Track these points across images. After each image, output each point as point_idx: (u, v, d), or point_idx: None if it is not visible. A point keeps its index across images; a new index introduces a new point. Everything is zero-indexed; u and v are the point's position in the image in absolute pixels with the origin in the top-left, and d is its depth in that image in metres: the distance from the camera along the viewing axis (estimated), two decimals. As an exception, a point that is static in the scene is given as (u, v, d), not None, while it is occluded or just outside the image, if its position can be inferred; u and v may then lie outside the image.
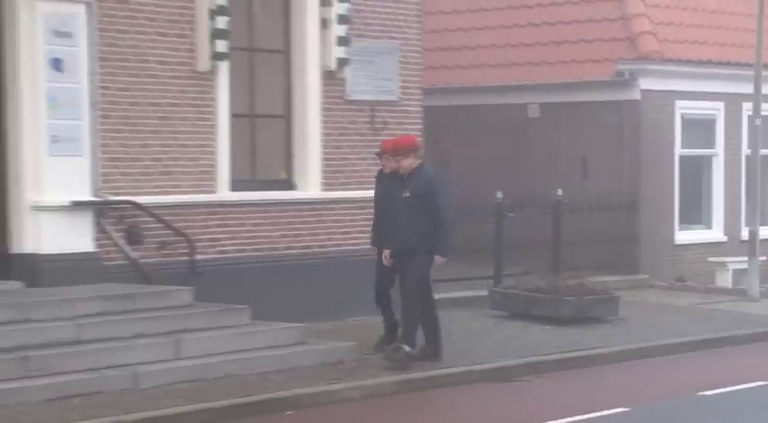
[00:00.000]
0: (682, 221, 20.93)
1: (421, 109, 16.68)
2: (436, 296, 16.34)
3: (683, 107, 20.65)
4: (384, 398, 11.68)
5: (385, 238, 13.17)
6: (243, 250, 14.73)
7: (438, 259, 12.71)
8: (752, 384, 12.54)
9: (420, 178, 12.80)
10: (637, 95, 19.91)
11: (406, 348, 12.52)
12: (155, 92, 13.85)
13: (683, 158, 20.82)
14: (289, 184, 15.40)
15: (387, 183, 13.28)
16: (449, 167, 18.76)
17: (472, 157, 19.97)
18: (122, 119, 13.66)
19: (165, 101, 14.03)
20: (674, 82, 20.36)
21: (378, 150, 13.67)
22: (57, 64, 13.03)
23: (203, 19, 14.17)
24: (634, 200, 19.91)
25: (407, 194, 12.72)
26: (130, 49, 13.73)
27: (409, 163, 12.85)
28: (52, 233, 13.06)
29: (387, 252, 12.99)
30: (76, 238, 13.24)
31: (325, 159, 15.55)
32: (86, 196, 13.27)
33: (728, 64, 21.05)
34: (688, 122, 20.84)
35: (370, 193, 15.62)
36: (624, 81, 19.81)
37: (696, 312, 17.47)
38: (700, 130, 21.22)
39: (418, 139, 13.64)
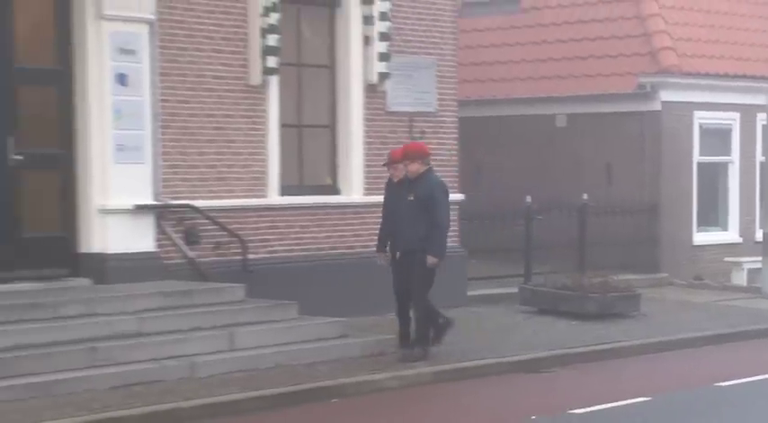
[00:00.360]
0: (700, 224, 20.78)
1: (456, 119, 16.65)
2: (469, 293, 16.60)
3: (700, 117, 20.51)
4: (422, 387, 11.68)
5: (391, 241, 13.06)
6: (291, 250, 14.75)
7: (430, 259, 12.52)
8: (765, 376, 12.47)
9: (425, 183, 12.71)
10: (657, 106, 19.79)
11: (421, 349, 12.50)
12: (211, 104, 13.88)
13: (700, 165, 20.68)
14: (334, 189, 15.40)
15: (395, 189, 13.13)
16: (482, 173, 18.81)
17: (503, 164, 19.91)
18: (181, 129, 13.71)
19: (220, 112, 14.05)
20: (693, 94, 20.23)
21: (386, 161, 13.49)
22: (122, 79, 13.08)
23: (255, 37, 14.18)
24: (655, 204, 19.81)
25: (412, 198, 12.64)
26: (189, 65, 13.77)
27: (416, 168, 12.73)
28: (117, 234, 13.10)
29: (398, 253, 12.92)
30: (139, 238, 13.30)
31: (367, 166, 15.49)
32: (148, 200, 13.32)
33: (744, 77, 20.92)
34: (706, 131, 20.69)
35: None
36: (646, 93, 19.70)
37: (713, 309, 17.38)
38: (716, 138, 21.05)
39: (427, 147, 13.47)
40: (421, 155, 12.91)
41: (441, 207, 12.70)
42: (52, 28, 13.05)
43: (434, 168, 15.88)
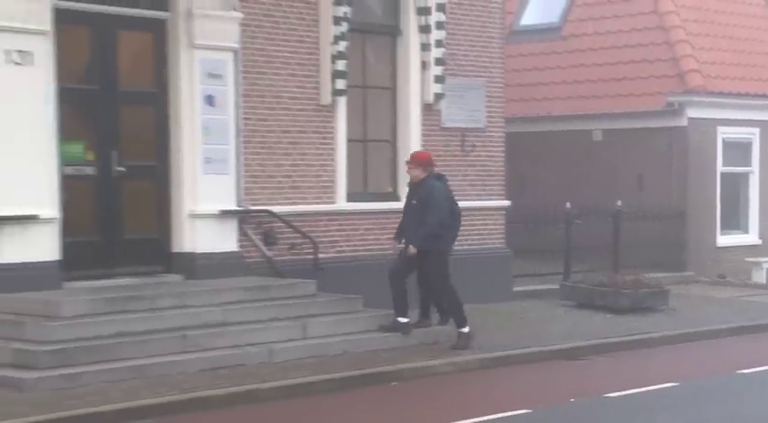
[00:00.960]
0: (723, 227, 20.56)
1: (503, 134, 16.58)
2: (514, 289, 16.58)
3: (723, 132, 20.30)
4: (471, 372, 11.71)
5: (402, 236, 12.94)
6: (356, 250, 14.76)
7: (410, 249, 12.40)
8: None
9: (424, 189, 12.56)
10: (684, 123, 19.63)
11: (465, 330, 12.44)
12: (286, 121, 13.94)
13: (723, 175, 20.47)
14: (394, 196, 15.26)
15: (409, 192, 13.08)
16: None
17: (545, 174, 19.85)
18: (260, 144, 13.76)
19: (295, 129, 14.11)
20: (717, 111, 20.06)
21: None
22: (210, 100, 13.17)
23: (326, 62, 14.22)
24: (682, 210, 19.63)
25: (414, 202, 12.62)
26: (267, 87, 13.82)
27: (416, 173, 12.66)
28: (205, 236, 13.19)
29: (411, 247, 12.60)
30: (224, 240, 13.39)
31: None
32: (232, 206, 13.38)
33: (763, 96, 20.75)
34: (728, 145, 20.49)
35: (463, 204, 15.47)
36: (674, 111, 19.53)
37: (735, 304, 17.23)
38: (738, 151, 20.83)
39: (431, 155, 13.21)
40: (422, 162, 12.78)
41: (431, 210, 12.43)
42: (151, 56, 13.15)
43: (483, 178, 16.27)
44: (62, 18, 12.01)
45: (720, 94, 20.05)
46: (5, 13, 11.51)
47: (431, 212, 12.40)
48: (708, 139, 20.10)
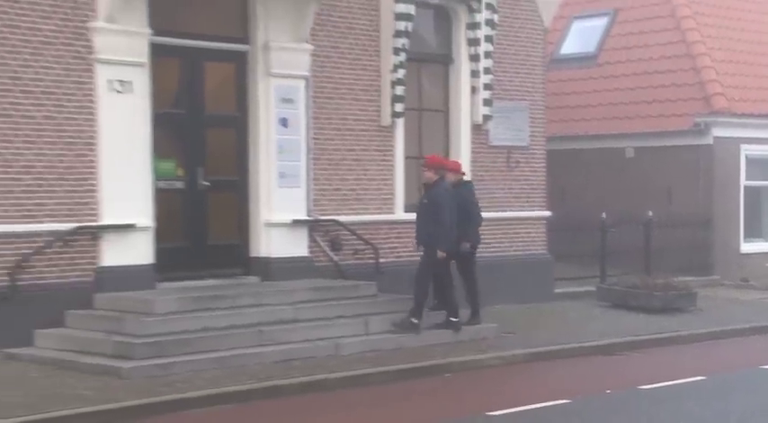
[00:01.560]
0: (746, 235, 20.23)
1: (544, 152, 16.52)
2: (555, 291, 16.48)
3: (746, 149, 20.00)
4: (516, 365, 11.69)
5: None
6: (413, 256, 14.20)
7: (439, 253, 12.31)
8: None
9: (434, 190, 12.50)
10: (710, 141, 19.38)
11: (413, 320, 12.15)
12: (351, 141, 13.97)
13: (746, 188, 20.16)
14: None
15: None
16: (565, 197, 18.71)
17: (583, 187, 19.67)
18: (328, 160, 13.77)
19: (359, 147, 14.13)
20: (740, 130, 19.77)
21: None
22: (284, 122, 13.21)
23: (386, 88, 14.23)
24: (708, 219, 19.35)
25: (425, 201, 12.56)
26: (334, 110, 13.85)
27: (429, 175, 12.60)
28: (279, 242, 13.21)
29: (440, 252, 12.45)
30: (295, 246, 13.39)
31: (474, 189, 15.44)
32: (302, 216, 13.42)
33: None
34: (750, 161, 20.18)
35: (505, 214, 15.78)
36: (700, 130, 19.28)
37: (757, 305, 16.99)
38: (760, 166, 20.48)
39: (441, 159, 13.24)
40: (433, 166, 12.70)
41: (442, 210, 12.35)
42: (232, 84, 13.22)
43: (527, 191, 16.17)
44: (157, 51, 12.14)
45: (743, 115, 19.77)
46: (109, 47, 11.70)
47: (441, 213, 12.30)
48: (732, 155, 19.82)
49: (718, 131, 19.49)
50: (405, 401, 9.88)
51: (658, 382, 10.60)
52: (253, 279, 13.03)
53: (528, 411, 9.30)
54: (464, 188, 13.18)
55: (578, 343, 12.76)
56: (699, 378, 10.96)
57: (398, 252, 14.52)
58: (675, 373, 11.19)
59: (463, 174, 13.53)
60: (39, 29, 11.33)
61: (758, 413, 9.47)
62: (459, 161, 14.08)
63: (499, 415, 9.10)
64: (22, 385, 9.70)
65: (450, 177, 12.89)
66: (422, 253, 12.68)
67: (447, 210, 12.37)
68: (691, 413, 9.45)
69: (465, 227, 12.83)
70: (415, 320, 12.19)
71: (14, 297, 11.10)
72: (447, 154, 15.40)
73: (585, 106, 20.89)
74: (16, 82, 11.20)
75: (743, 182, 20.18)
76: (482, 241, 13.65)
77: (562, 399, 9.75)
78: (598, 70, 21.25)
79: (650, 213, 18.25)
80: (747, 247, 20.32)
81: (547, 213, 16.47)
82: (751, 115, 19.96)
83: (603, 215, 17.72)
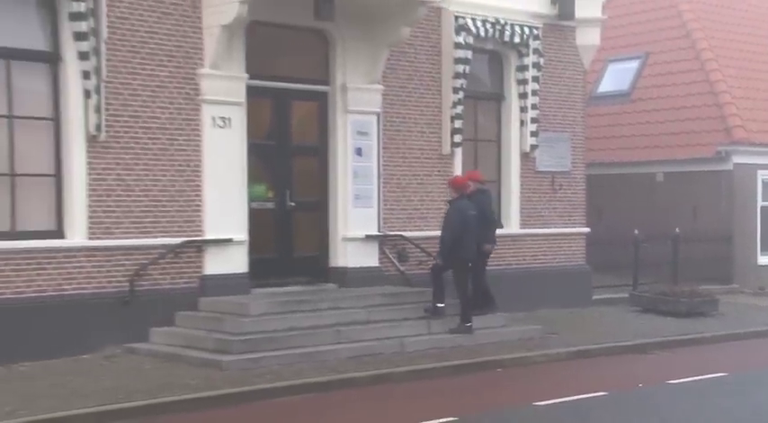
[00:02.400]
0: (762, 249, 19.74)
1: (584, 176, 16.34)
2: (593, 297, 16.26)
3: (763, 174, 19.52)
4: (559, 362, 11.62)
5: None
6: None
7: (437, 261, 12.26)
8: None
9: (449, 208, 12.40)
10: (730, 167, 18.98)
11: (440, 305, 12.10)
12: (416, 167, 13.90)
13: (763, 208, 19.65)
14: (499, 224, 14.86)
15: None
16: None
17: (618, 207, 19.37)
18: (396, 184, 13.72)
19: (423, 172, 14.06)
20: (757, 158, 19.32)
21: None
22: (358, 151, 13.23)
23: (447, 122, 14.18)
24: (729, 235, 18.95)
25: (444, 215, 12.46)
26: (402, 141, 13.82)
27: (452, 194, 12.48)
28: (354, 254, 13.20)
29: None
30: (367, 257, 13.36)
31: (522, 209, 15.32)
32: (374, 232, 13.40)
33: None
34: (766, 184, 19.74)
35: (549, 230, 15.66)
36: (722, 158, 18.89)
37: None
38: None
39: (461, 181, 12.74)
40: (452, 185, 12.53)
41: (446, 225, 12.15)
42: (315, 119, 13.23)
43: (568, 210, 15.99)
44: (252, 92, 12.22)
45: (760, 144, 19.31)
46: (213, 89, 11.86)
47: (446, 229, 12.13)
48: (750, 179, 19.40)
49: (737, 158, 19.10)
50: (462, 392, 9.86)
51: (685, 378, 10.55)
52: (331, 286, 13.02)
53: (569, 402, 9.26)
54: (481, 196, 12.90)
55: (614, 343, 12.66)
56: (722, 374, 10.84)
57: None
58: (700, 369, 11.06)
59: (481, 183, 13.25)
60: (156, 75, 11.48)
61: None
62: (479, 172, 13.73)
63: (544, 405, 9.08)
64: (139, 375, 9.89)
65: (470, 188, 12.65)
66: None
67: (451, 227, 12.09)
68: (714, 405, 9.34)
69: (485, 230, 12.65)
70: (468, 323, 12.11)
71: (134, 300, 11.24)
72: (499, 178, 15.34)
73: (620, 137, 20.60)
74: (136, 119, 11.36)
75: (760, 203, 19.72)
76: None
77: (599, 391, 9.70)
78: (632, 106, 20.96)
79: (677, 230, 18.00)
80: (764, 259, 19.84)
81: (586, 229, 16.29)
82: (767, 144, 19.53)
83: (636, 231, 17.50)
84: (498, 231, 14.86)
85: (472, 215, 12.15)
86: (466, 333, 12.06)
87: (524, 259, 15.37)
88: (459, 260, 12.13)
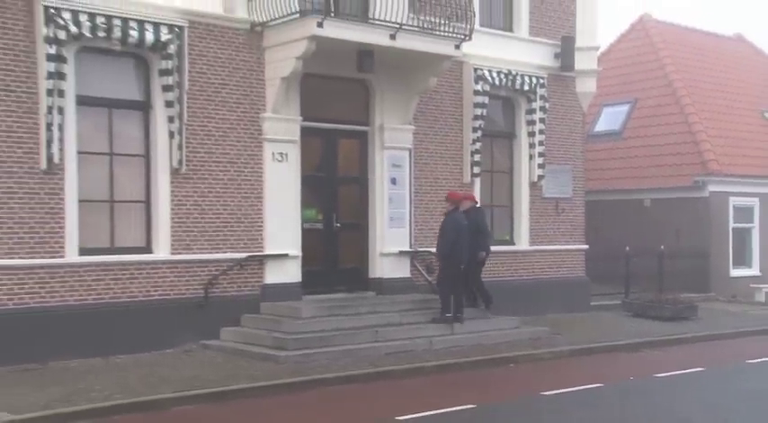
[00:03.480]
0: (734, 264, 19.64)
1: (583, 201, 16.18)
2: (592, 304, 16.06)
3: (734, 200, 19.42)
4: (563, 358, 11.58)
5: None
6: (491, 276, 13.87)
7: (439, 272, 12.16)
8: None
9: (444, 218, 12.19)
10: (707, 194, 18.89)
11: (447, 315, 11.82)
12: (441, 194, 13.44)
13: (734, 229, 19.57)
14: (510, 242, 15.06)
15: None
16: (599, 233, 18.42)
17: (612, 227, 19.22)
18: (425, 208, 13.61)
19: (446, 187, 13.72)
20: (728, 186, 19.23)
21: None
22: (393, 181, 13.20)
23: (467, 156, 14.12)
24: (706, 252, 18.85)
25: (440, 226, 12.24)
26: (430, 172, 13.73)
27: (447, 206, 12.24)
28: (389, 267, 13.14)
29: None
30: (401, 269, 13.27)
31: (531, 229, 15.20)
32: (406, 248, 13.32)
33: (761, 176, 19.82)
34: (737, 209, 19.56)
35: (554, 247, 15.49)
36: (699, 186, 18.81)
37: (744, 315, 16.46)
38: (744, 213, 19.82)
39: (456, 194, 12.54)
40: (449, 198, 12.29)
41: (442, 233, 12.02)
42: (357, 154, 13.18)
43: (570, 230, 15.79)
44: (305, 132, 12.28)
45: (731, 175, 19.24)
46: (273, 130, 11.95)
47: (438, 241, 12.11)
48: (723, 205, 19.29)
49: (712, 187, 19.01)
50: (480, 383, 9.88)
51: (670, 372, 10.51)
52: (370, 294, 12.97)
53: (572, 392, 9.26)
54: (476, 212, 12.83)
55: (609, 342, 12.59)
56: (700, 369, 10.82)
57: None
58: (683, 365, 11.04)
59: (476, 202, 13.15)
60: (227, 119, 11.59)
61: (749, 395, 9.32)
62: (473, 194, 13.64)
63: (550, 394, 9.09)
64: (212, 366, 9.97)
65: (466, 205, 12.49)
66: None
67: (446, 235, 11.89)
68: (694, 394, 9.34)
69: (479, 240, 12.49)
70: (448, 315, 11.88)
71: (207, 305, 11.32)
72: (511, 203, 15.22)
73: (614, 169, 20.50)
74: (210, 155, 11.48)
75: (731, 224, 19.61)
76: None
77: (598, 383, 9.70)
78: (623, 143, 20.87)
79: (662, 247, 17.94)
80: (735, 272, 19.73)
81: (585, 246, 16.15)
82: (736, 175, 19.46)
83: (627, 248, 17.43)
84: (510, 248, 14.95)
85: (464, 225, 12.02)
86: (446, 323, 11.86)
87: (533, 272, 15.28)
88: (453, 262, 11.98)
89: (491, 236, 13.35)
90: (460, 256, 11.96)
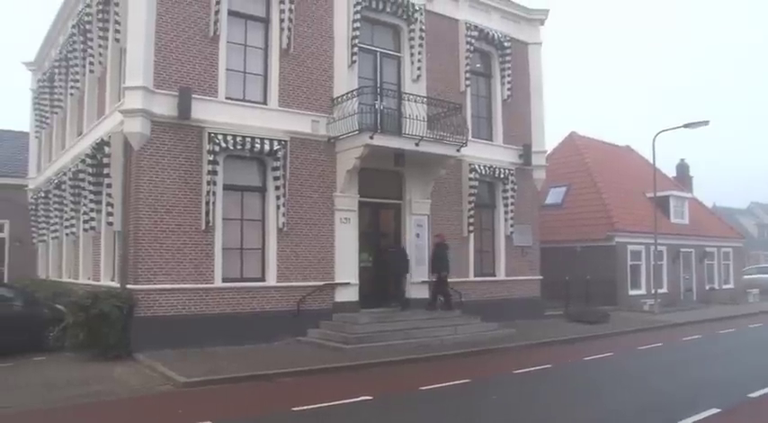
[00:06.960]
0: (631, 286, 19.46)
1: (539, 248, 15.70)
2: (546, 314, 15.65)
3: (630, 247, 19.44)
4: (524, 348, 11.23)
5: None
6: (480, 297, 14.08)
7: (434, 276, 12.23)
8: (658, 344, 11.81)
9: (435, 248, 12.24)
10: (614, 243, 18.97)
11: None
12: (449, 243, 13.06)
13: (631, 265, 19.54)
14: (493, 274, 14.28)
15: None
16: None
17: (556, 265, 18.57)
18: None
19: (453, 246, 13.33)
20: (627, 238, 19.30)
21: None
22: (417, 235, 13.08)
23: (465, 219, 13.89)
24: (614, 279, 18.83)
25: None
26: (446, 226, 13.51)
27: (437, 241, 12.42)
28: (415, 291, 12.93)
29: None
30: (422, 292, 12.98)
31: (506, 265, 14.87)
32: (424, 278, 13.00)
33: (645, 232, 19.52)
34: (632, 252, 19.55)
35: (523, 277, 15.14)
36: (609, 238, 18.93)
37: (638, 319, 16.06)
38: (636, 255, 19.72)
39: (440, 237, 12.66)
40: (438, 238, 12.38)
41: (435, 257, 12.00)
42: (393, 218, 13.06)
43: (530, 266, 15.34)
44: (361, 204, 12.31)
45: (628, 231, 19.39)
46: (341, 203, 12.07)
47: (434, 260, 12.17)
48: (624, 250, 19.31)
49: (618, 239, 19.11)
50: (470, 366, 9.77)
51: (595, 356, 10.50)
52: (401, 309, 12.60)
53: (532, 371, 9.27)
54: (442, 247, 12.72)
55: (552, 338, 12.36)
56: (610, 354, 10.78)
57: (470, 295, 13.97)
58: (602, 351, 10.99)
59: (443, 240, 12.89)
60: (310, 196, 11.78)
61: (652, 369, 9.25)
62: (444, 235, 13.18)
63: (518, 373, 9.12)
64: (301, 354, 9.88)
65: (437, 241, 12.60)
66: (436, 277, 12.45)
67: (439, 258, 12.21)
68: (611, 370, 9.40)
69: (441, 265, 12.49)
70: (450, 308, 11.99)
71: (299, 314, 11.39)
72: (493, 248, 14.84)
73: (558, 227, 20.50)
74: (302, 219, 11.66)
75: (629, 263, 19.55)
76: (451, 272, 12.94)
77: (546, 364, 9.68)
78: (563, 211, 20.95)
79: (588, 277, 17.98)
80: (632, 292, 19.58)
81: (540, 277, 15.76)
82: (631, 231, 19.54)
83: (567, 278, 17.40)
84: (491, 278, 14.73)
85: (446, 252, 12.39)
86: (448, 310, 12.01)
87: (507, 293, 14.97)
88: (443, 274, 12.28)
89: (448, 262, 12.90)
90: (446, 269, 12.39)
